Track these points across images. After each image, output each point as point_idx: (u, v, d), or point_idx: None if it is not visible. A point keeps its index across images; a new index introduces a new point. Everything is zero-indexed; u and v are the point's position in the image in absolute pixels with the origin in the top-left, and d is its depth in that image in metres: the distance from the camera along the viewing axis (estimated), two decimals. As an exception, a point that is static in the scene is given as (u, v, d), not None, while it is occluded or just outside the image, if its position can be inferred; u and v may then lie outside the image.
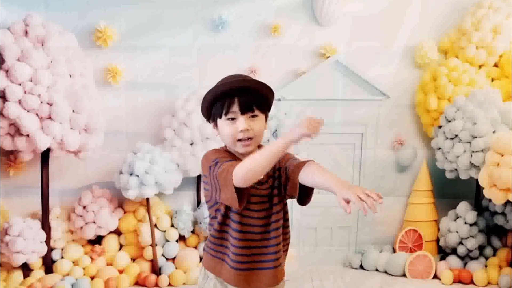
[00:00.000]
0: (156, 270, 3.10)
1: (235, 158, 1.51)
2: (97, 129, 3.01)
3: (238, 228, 1.51)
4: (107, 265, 3.14)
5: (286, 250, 1.64)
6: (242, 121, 1.48)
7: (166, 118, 3.17)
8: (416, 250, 3.23)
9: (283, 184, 1.51)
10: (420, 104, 3.30)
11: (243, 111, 1.48)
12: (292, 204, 1.57)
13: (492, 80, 3.28)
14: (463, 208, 3.16)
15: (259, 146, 1.58)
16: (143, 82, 3.26)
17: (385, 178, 3.37)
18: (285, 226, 1.60)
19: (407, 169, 3.38)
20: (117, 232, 3.22)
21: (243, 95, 1.47)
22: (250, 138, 1.49)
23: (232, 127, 1.49)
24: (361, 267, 3.30)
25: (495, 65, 3.29)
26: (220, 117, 1.50)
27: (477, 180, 2.99)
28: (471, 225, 3.11)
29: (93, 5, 3.17)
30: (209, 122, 1.58)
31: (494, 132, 2.94)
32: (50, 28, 2.94)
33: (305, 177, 1.41)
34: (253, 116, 1.50)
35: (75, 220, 3.11)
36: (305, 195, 1.50)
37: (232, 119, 1.49)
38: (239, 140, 1.49)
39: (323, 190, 1.35)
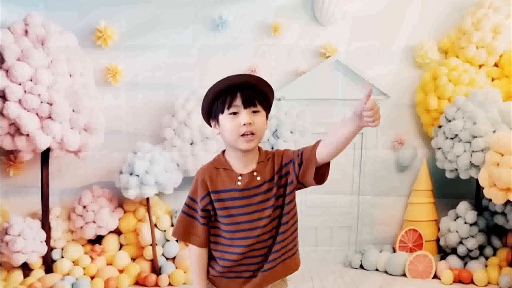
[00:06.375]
0: (156, 270, 3.10)
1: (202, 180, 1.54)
2: (97, 128, 3.01)
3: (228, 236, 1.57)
4: (107, 264, 3.14)
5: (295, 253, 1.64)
6: (245, 115, 1.48)
7: (166, 118, 3.17)
8: (416, 250, 3.23)
9: (296, 174, 1.51)
10: (420, 104, 3.30)
11: (246, 105, 1.48)
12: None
13: (492, 80, 3.28)
14: (463, 208, 3.16)
15: (259, 148, 1.57)
16: (143, 82, 3.26)
17: (385, 178, 3.37)
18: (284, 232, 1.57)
19: (407, 169, 3.38)
20: (117, 231, 3.22)
21: (246, 90, 1.48)
22: (252, 134, 1.49)
23: (234, 122, 1.48)
24: (361, 267, 3.30)
25: (495, 65, 3.28)
26: (222, 113, 1.50)
27: (477, 180, 2.99)
28: (471, 225, 3.11)
29: (93, 5, 3.17)
30: (209, 123, 1.57)
31: (494, 132, 2.94)
32: (50, 28, 2.93)
33: (329, 143, 1.49)
34: (255, 112, 1.50)
35: (75, 219, 3.12)
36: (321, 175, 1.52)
37: (235, 113, 1.48)
38: (242, 135, 1.48)
39: (351, 136, 1.52)
